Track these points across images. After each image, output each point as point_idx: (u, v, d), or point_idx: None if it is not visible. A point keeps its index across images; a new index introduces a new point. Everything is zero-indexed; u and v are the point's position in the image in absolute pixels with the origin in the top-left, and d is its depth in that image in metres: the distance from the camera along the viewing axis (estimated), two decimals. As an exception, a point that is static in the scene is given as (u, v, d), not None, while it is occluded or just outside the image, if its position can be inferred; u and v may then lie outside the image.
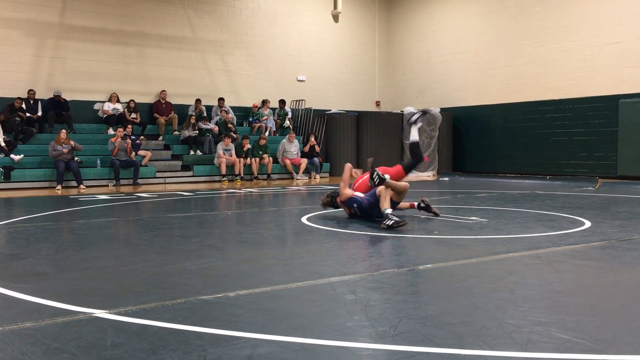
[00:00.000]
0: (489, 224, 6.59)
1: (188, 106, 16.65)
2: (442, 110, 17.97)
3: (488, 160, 17.70)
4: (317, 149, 16.74)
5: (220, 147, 15.17)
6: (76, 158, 13.15)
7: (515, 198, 9.81)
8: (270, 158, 15.86)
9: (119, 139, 13.68)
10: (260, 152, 15.73)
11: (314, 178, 16.21)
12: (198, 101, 16.54)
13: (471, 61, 18.11)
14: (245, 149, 15.51)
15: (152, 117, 16.11)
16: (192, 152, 15.60)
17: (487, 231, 6.11)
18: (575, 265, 4.61)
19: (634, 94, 14.25)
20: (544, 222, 6.83)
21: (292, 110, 18.36)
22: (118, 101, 15.54)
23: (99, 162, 13.86)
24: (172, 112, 16.26)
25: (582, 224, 6.62)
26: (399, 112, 18.43)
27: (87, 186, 13.02)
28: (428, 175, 17.46)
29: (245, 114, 17.71)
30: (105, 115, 15.35)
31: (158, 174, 14.73)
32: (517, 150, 16.95)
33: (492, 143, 17.55)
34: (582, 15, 15.29)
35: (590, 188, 12.18)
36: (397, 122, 18.04)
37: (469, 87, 18.20)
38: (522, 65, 16.71)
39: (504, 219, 7.17)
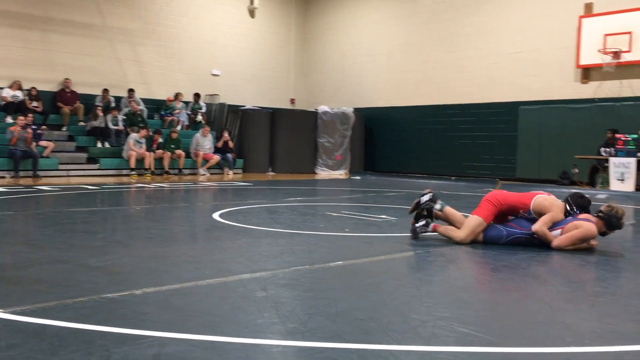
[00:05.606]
0: (398, 223, 6.78)
1: (95, 96, 15.95)
2: (356, 110, 18.30)
3: (398, 161, 18.22)
4: (231, 144, 16.56)
5: (131, 139, 14.64)
6: None
7: (423, 197, 10.15)
8: (183, 152, 15.50)
9: (19, 128, 12.89)
10: (173, 147, 15.34)
11: (227, 174, 16.03)
12: (105, 91, 15.89)
13: (384, 63, 18.56)
14: (156, 143, 15.06)
15: (55, 106, 15.30)
16: (99, 145, 14.96)
17: (395, 229, 6.29)
18: (476, 262, 4.85)
19: (532, 102, 15.17)
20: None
21: (206, 104, 18.04)
22: (19, 88, 14.62)
23: (-5, 152, 13.00)
24: (78, 101, 15.52)
25: (484, 223, 6.95)
26: (314, 110, 18.58)
27: (-19, 177, 12.18)
28: (340, 174, 17.73)
29: (157, 107, 17.21)
30: (3, 103, 14.40)
31: (61, 166, 14.01)
32: (425, 152, 17.56)
33: (402, 144, 18.08)
34: (488, 25, 16.07)
35: (491, 189, 12.83)
36: (311, 120, 18.17)
37: (382, 88, 18.65)
38: (432, 70, 17.33)
39: (412, 217, 7.40)
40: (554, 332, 2.94)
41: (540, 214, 5.18)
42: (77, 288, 3.52)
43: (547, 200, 5.23)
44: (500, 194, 5.41)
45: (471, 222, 5.33)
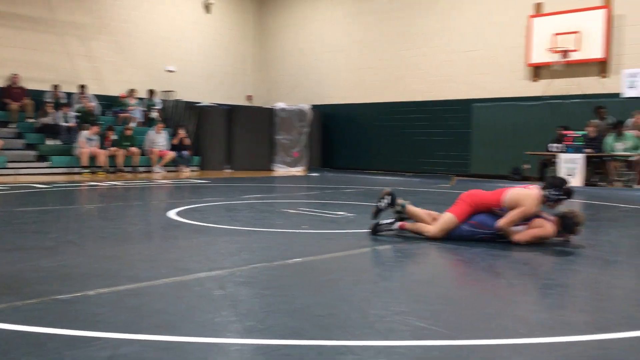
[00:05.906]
0: (356, 219, 6.83)
1: (44, 92, 15.49)
2: (313, 107, 18.32)
3: (355, 157, 18.34)
4: (187, 141, 16.33)
5: (82, 136, 14.26)
6: None
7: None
8: (137, 150, 15.21)
9: (-37, 125, 12.41)
10: (127, 144, 15.03)
11: (183, 171, 15.81)
12: (56, 87, 15.45)
13: (341, 61, 18.62)
14: (109, 141, 14.72)
15: (2, 102, 14.79)
16: (49, 142, 14.53)
17: (353, 225, 6.33)
18: (433, 257, 4.93)
19: (485, 99, 15.49)
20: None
21: (162, 101, 17.75)
22: (-38, 83, 14.10)
23: (-62, 150, 12.48)
24: (26, 97, 15.04)
25: (439, 218, 7.06)
26: (271, 107, 18.51)
27: None
28: (298, 170, 17.73)
29: (110, 103, 16.82)
30: (-54, 98, 13.85)
31: (9, 165, 13.55)
32: (381, 148, 17.72)
33: (359, 140, 18.20)
34: (442, 23, 16.32)
35: (446, 185, 13.06)
36: (268, 118, 18.10)
37: (339, 85, 18.72)
38: (388, 67, 17.49)
39: (369, 213, 7.46)
40: (506, 324, 3.01)
41: (513, 208, 5.15)
42: (28, 290, 3.42)
43: (520, 194, 5.18)
44: (477, 195, 5.41)
45: (445, 220, 5.38)
